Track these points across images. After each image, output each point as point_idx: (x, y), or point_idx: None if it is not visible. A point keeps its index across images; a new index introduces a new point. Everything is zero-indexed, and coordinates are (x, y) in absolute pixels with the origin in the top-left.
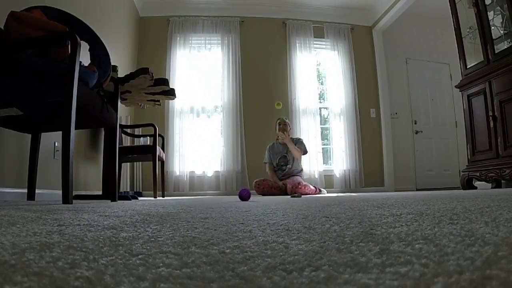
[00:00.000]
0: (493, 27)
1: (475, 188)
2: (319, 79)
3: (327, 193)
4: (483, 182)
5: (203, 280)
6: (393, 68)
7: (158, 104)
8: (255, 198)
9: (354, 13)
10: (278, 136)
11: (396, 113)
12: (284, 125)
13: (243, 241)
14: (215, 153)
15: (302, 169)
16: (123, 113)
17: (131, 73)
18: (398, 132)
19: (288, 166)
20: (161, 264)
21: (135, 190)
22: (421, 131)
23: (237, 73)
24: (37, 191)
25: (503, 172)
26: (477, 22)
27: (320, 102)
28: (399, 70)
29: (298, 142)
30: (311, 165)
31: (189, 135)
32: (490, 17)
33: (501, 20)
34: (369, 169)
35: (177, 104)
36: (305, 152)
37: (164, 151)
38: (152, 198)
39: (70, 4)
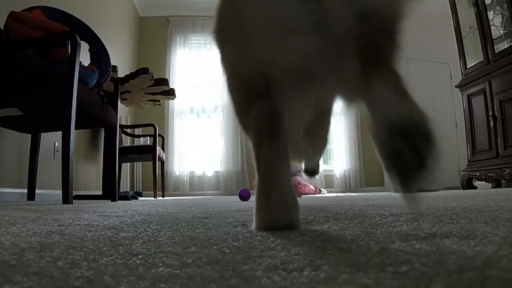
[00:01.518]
0: (493, 27)
1: (475, 188)
2: None
3: (327, 193)
4: (483, 182)
5: (203, 280)
6: None
7: (158, 104)
8: None
9: None
10: None
11: None
12: None
13: (243, 241)
14: (215, 153)
15: (302, 169)
16: (123, 113)
17: (131, 73)
18: None
19: None
20: (161, 264)
21: (135, 190)
22: None
23: None
24: (37, 191)
25: (503, 172)
26: (477, 22)
27: None
28: (399, 70)
29: None
30: None
31: (189, 135)
32: (490, 17)
33: (501, 20)
34: (369, 169)
35: (177, 104)
36: None
37: (164, 151)
38: (152, 198)
39: (70, 4)
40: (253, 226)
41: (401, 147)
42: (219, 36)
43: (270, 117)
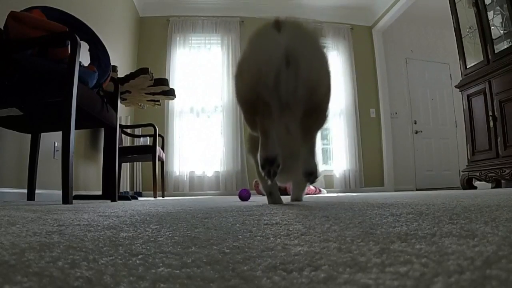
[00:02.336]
0: (492, 27)
1: (475, 188)
2: None
3: (327, 193)
4: (483, 182)
5: (203, 280)
6: (393, 68)
7: (158, 104)
8: (255, 198)
9: (354, 13)
10: None
11: (396, 113)
12: None
13: (243, 241)
14: (215, 153)
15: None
16: (123, 113)
17: (131, 73)
18: (398, 132)
19: None
20: (161, 264)
21: (135, 190)
22: (421, 131)
23: None
24: (37, 191)
25: (503, 172)
26: (477, 22)
27: None
28: (399, 70)
29: None
30: None
31: (189, 135)
32: (490, 17)
33: (501, 20)
34: (369, 169)
35: (177, 104)
36: None
37: (164, 151)
38: (152, 198)
39: (70, 4)
40: (258, 157)
41: (306, 176)
42: (236, 74)
43: (266, 109)
